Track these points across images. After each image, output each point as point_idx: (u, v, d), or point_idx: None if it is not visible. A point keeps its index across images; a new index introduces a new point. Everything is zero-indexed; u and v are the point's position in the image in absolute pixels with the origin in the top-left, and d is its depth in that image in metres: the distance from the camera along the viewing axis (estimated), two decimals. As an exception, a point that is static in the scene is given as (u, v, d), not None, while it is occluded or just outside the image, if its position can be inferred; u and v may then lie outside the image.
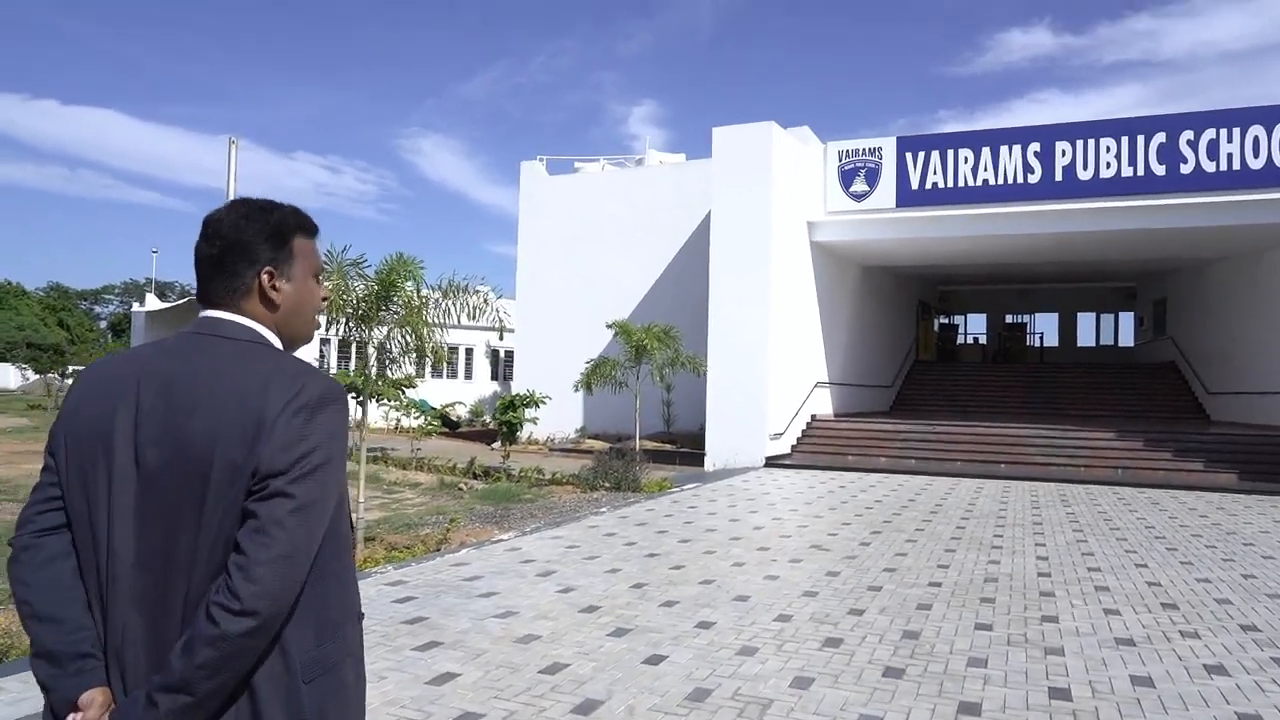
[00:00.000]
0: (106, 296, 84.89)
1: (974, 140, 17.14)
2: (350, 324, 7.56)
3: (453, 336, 31.90)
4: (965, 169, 17.15)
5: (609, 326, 15.17)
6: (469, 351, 33.05)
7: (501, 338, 15.34)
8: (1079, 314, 32.68)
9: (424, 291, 7.65)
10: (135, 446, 1.41)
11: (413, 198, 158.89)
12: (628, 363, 14.36)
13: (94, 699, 1.38)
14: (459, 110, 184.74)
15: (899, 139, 17.70)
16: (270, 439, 1.36)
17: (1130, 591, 6.50)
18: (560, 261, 21.47)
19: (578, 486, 13.03)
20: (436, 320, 7.72)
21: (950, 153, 17.27)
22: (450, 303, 7.96)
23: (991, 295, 32.18)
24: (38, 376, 41.04)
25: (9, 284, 66.06)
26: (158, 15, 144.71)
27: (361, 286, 7.48)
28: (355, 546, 1.52)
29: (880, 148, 17.79)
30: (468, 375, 32.83)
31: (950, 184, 17.26)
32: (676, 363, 14.56)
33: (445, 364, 31.04)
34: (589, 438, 20.07)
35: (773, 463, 16.24)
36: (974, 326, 34.30)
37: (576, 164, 22.76)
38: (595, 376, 14.31)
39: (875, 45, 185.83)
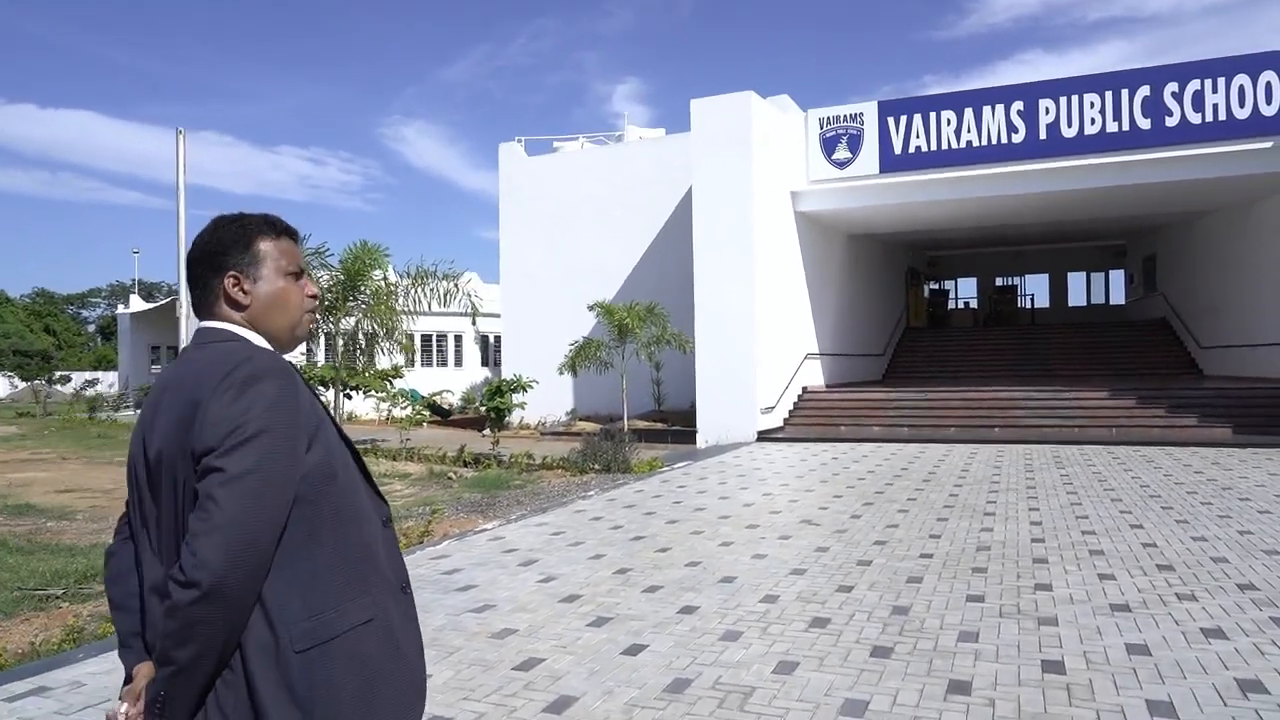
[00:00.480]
0: (93, 300, 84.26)
1: (956, 101, 16.88)
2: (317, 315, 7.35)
3: (441, 324, 31.81)
4: (948, 131, 16.90)
5: (590, 308, 14.95)
6: (458, 338, 32.81)
7: (474, 322, 15.09)
8: (1069, 274, 32.52)
9: (392, 278, 7.42)
10: (149, 451, 1.56)
11: (398, 186, 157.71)
12: (612, 343, 14.13)
13: (140, 670, 1.56)
14: (440, 96, 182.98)
15: (880, 103, 17.44)
16: (203, 419, 1.46)
17: (1125, 554, 6.36)
18: (543, 244, 21.21)
19: (568, 470, 12.88)
20: (406, 308, 7.50)
21: (932, 115, 17.00)
22: (419, 289, 7.73)
23: (981, 259, 32.00)
24: (25, 384, 40.69)
25: (-7, 292, 65.45)
26: (132, 16, 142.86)
27: (327, 276, 7.26)
28: (388, 520, 1.74)
29: (861, 113, 17.53)
30: (458, 362, 32.63)
31: (933, 147, 17.02)
32: (662, 340, 14.35)
33: (416, 352, 30.83)
34: (580, 420, 19.90)
35: (765, 437, 16.09)
36: (965, 291, 34.15)
37: (556, 144, 22.44)
38: (580, 358, 14.10)
39: (857, 15, 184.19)
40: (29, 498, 11.33)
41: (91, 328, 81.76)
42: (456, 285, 7.67)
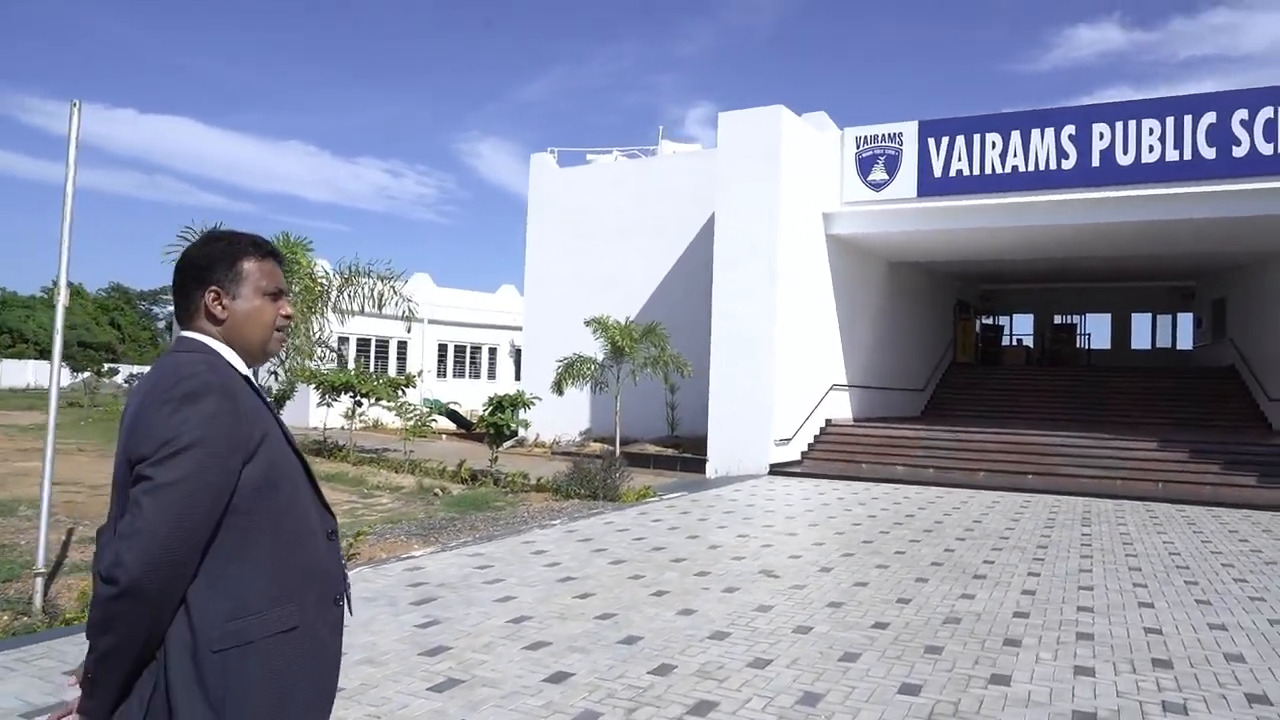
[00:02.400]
0: (164, 296, 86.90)
1: (1002, 123, 15.78)
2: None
3: (476, 335, 31.44)
4: (993, 155, 15.79)
5: (587, 324, 14.19)
6: (493, 350, 32.42)
7: (409, 330, 14.43)
8: (1134, 314, 30.60)
9: (318, 276, 6.81)
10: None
11: (470, 199, 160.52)
12: (608, 361, 13.34)
13: None
14: (516, 114, 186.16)
15: (921, 123, 16.42)
16: (140, 429, 1.54)
17: (1119, 641, 5.31)
18: (570, 256, 20.56)
19: (556, 494, 12.16)
20: (343, 308, 6.87)
21: (976, 137, 15.92)
22: (351, 289, 7.10)
23: (1039, 294, 30.32)
24: (82, 375, 41.63)
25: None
26: (230, 27, 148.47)
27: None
28: (334, 532, 1.80)
29: (901, 133, 16.53)
30: (491, 375, 32.21)
31: (976, 171, 15.92)
32: (660, 361, 13.49)
33: (449, 362, 30.49)
34: (595, 440, 19.13)
35: (779, 470, 15.10)
36: (1021, 328, 32.39)
37: (589, 156, 21.86)
38: (569, 376, 13.33)
39: (938, 45, 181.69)
40: (8, 488, 11.10)
41: (161, 324, 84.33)
42: (393, 288, 7.07)
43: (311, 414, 21.79)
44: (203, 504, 1.51)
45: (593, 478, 11.80)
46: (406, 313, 8.02)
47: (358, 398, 17.25)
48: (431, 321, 29.81)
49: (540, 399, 15.41)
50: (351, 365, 23.94)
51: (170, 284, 1.76)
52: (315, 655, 1.66)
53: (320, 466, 14.07)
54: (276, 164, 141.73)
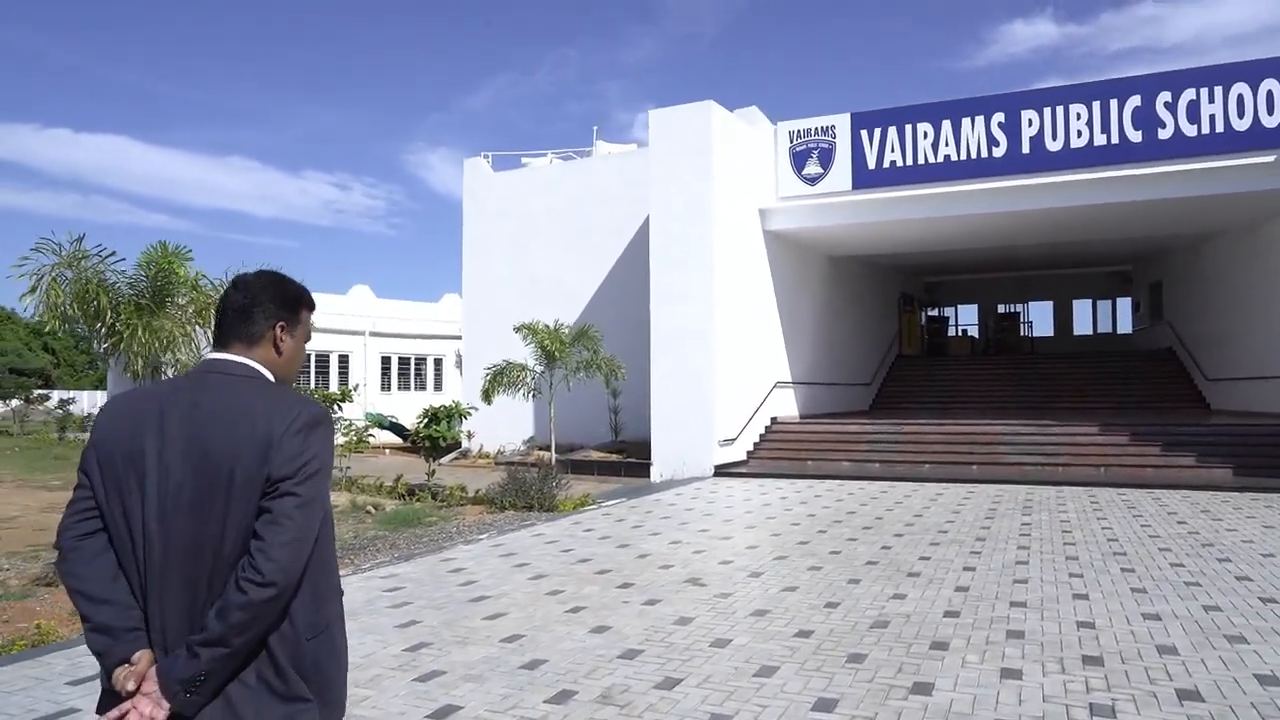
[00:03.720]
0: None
1: (933, 113, 15.70)
2: (103, 329, 6.18)
3: (420, 346, 30.80)
4: (925, 145, 15.70)
5: (517, 329, 13.78)
6: (438, 361, 31.80)
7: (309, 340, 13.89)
8: (1075, 301, 30.99)
9: (204, 287, 6.35)
10: (163, 462, 1.77)
11: (420, 210, 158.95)
12: (539, 367, 12.94)
13: (143, 656, 1.74)
14: (464, 124, 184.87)
15: (853, 115, 16.28)
16: (279, 453, 1.75)
17: (1050, 639, 5.08)
18: (508, 261, 20.13)
19: (492, 506, 11.75)
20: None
21: (908, 128, 15.82)
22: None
23: (982, 285, 30.58)
24: (12, 403, 39.88)
25: (-2, 309, 65.36)
26: (166, 41, 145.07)
27: (126, 285, 6.16)
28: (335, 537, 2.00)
29: (833, 125, 16.38)
30: (438, 386, 31.57)
31: (910, 162, 15.82)
32: (594, 365, 13.14)
33: (393, 375, 29.88)
34: (539, 449, 18.71)
35: (724, 471, 14.84)
36: (966, 318, 32.63)
37: (524, 159, 21.45)
38: (498, 385, 12.91)
39: (878, 44, 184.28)
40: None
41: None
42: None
43: (246, 434, 21.06)
44: (322, 513, 1.80)
45: (528, 488, 11.41)
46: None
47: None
48: (373, 334, 29.14)
49: (477, 409, 14.99)
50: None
51: (227, 307, 1.92)
52: (344, 634, 1.93)
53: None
54: (219, 180, 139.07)
